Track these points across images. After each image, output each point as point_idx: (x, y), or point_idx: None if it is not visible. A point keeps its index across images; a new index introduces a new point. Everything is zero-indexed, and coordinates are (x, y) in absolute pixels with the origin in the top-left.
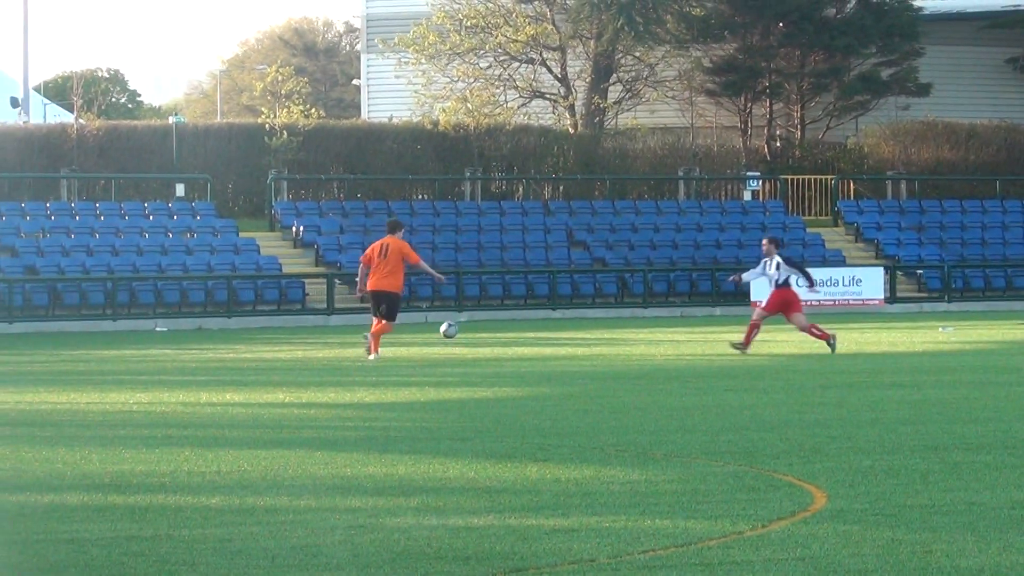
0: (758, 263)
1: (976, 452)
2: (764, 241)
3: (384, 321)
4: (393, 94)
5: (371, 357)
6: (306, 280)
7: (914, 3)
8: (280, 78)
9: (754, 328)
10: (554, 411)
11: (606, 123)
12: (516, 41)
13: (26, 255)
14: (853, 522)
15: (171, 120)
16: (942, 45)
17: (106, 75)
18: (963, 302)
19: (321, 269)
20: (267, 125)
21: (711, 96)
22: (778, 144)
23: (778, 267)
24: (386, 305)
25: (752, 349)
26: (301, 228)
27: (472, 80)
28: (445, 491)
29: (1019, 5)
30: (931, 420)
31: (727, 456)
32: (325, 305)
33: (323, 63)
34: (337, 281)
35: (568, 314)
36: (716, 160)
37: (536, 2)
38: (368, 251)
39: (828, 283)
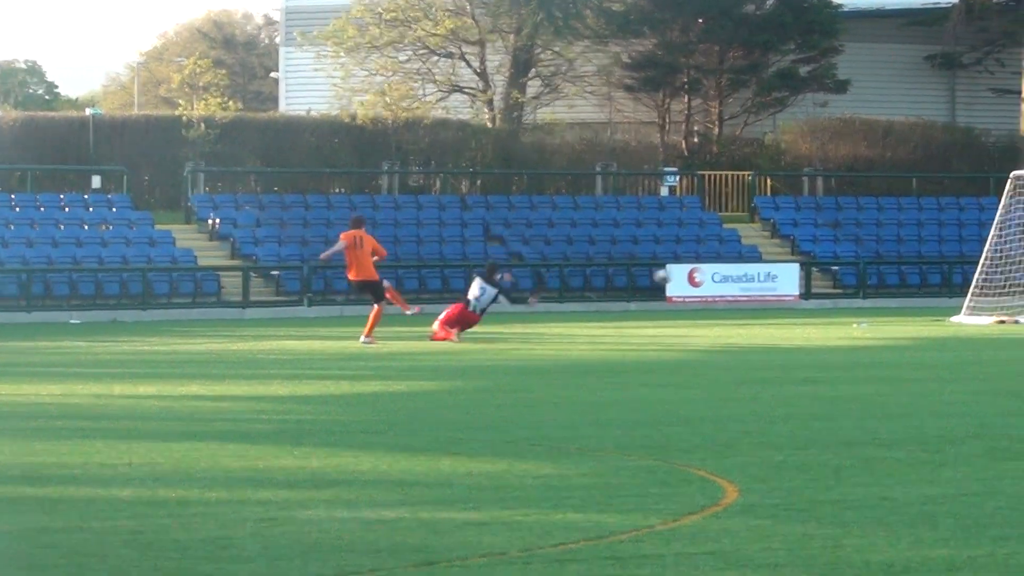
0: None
1: (888, 448)
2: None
3: (376, 305)
4: (312, 87)
5: (362, 340)
6: (221, 273)
7: (834, 0)
8: (198, 70)
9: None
10: (468, 405)
11: (524, 118)
12: (435, 35)
13: None
14: (764, 516)
15: (88, 112)
16: (861, 42)
17: (23, 66)
18: (878, 298)
19: (237, 262)
20: (184, 117)
21: (629, 92)
22: (696, 140)
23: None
24: (370, 291)
25: (669, 344)
26: (217, 221)
27: (391, 74)
28: (357, 484)
29: (938, 3)
30: (844, 416)
31: (640, 451)
32: (241, 298)
33: (242, 56)
34: (253, 274)
35: None
36: (634, 156)
37: None
38: (346, 236)
39: (743, 279)
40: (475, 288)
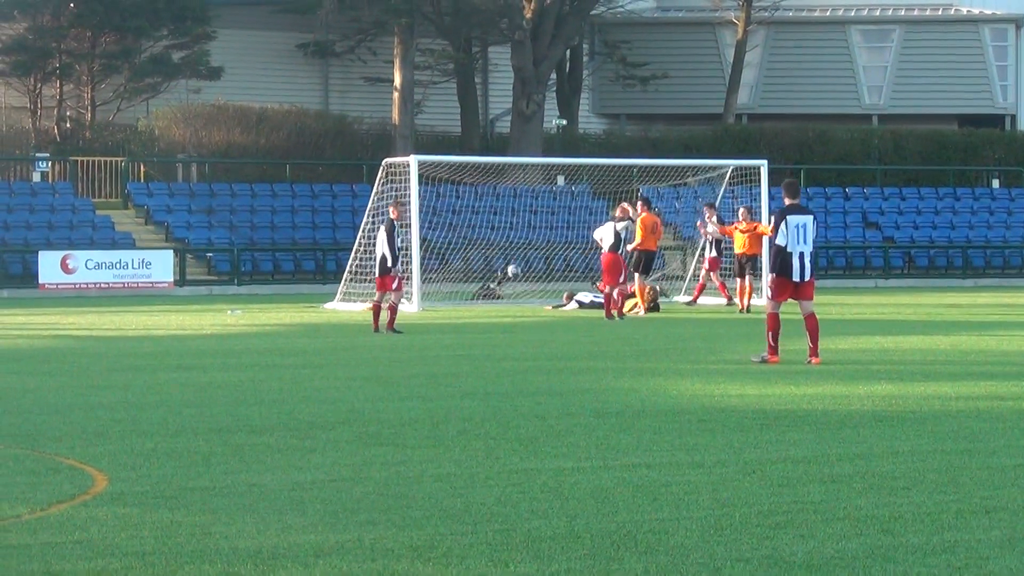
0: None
1: (259, 434)
2: None
3: None
4: None
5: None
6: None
7: None
8: None
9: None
10: None
11: None
12: None
13: None
14: (133, 505)
15: None
16: (234, 29)
17: None
18: (253, 285)
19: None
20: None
21: (0, 76)
22: (68, 126)
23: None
24: None
25: (39, 332)
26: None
27: None
28: None
29: None
30: (216, 402)
31: (7, 439)
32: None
33: None
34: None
35: None
36: (5, 141)
37: None
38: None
39: (117, 266)
40: None
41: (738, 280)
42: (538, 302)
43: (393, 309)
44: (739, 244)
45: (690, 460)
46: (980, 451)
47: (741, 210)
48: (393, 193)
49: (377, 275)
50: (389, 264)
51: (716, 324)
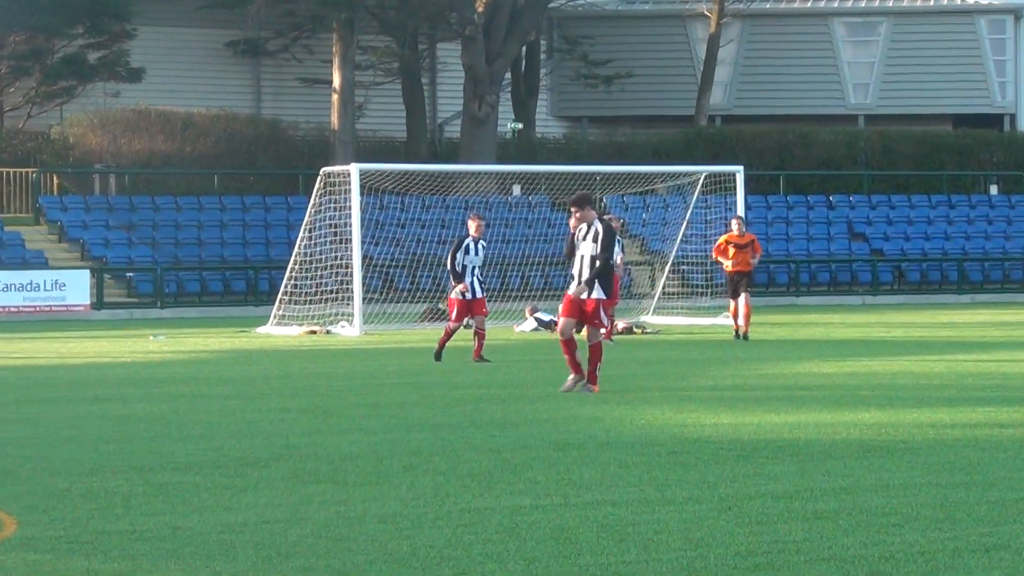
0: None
1: (185, 472)
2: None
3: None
4: None
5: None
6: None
7: None
8: None
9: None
10: None
11: None
12: None
13: None
14: (45, 551)
15: None
16: (156, 26)
17: None
18: (177, 308)
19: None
20: None
21: None
22: None
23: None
24: None
25: None
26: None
27: None
28: None
29: None
30: (137, 437)
31: None
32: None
33: None
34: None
35: None
36: None
37: None
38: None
39: (29, 287)
40: None
41: (731, 301)
42: (492, 324)
43: (480, 334)
44: (732, 260)
45: (660, 496)
46: (978, 484)
47: (734, 221)
48: (332, 204)
49: (463, 297)
50: (462, 280)
51: (688, 347)
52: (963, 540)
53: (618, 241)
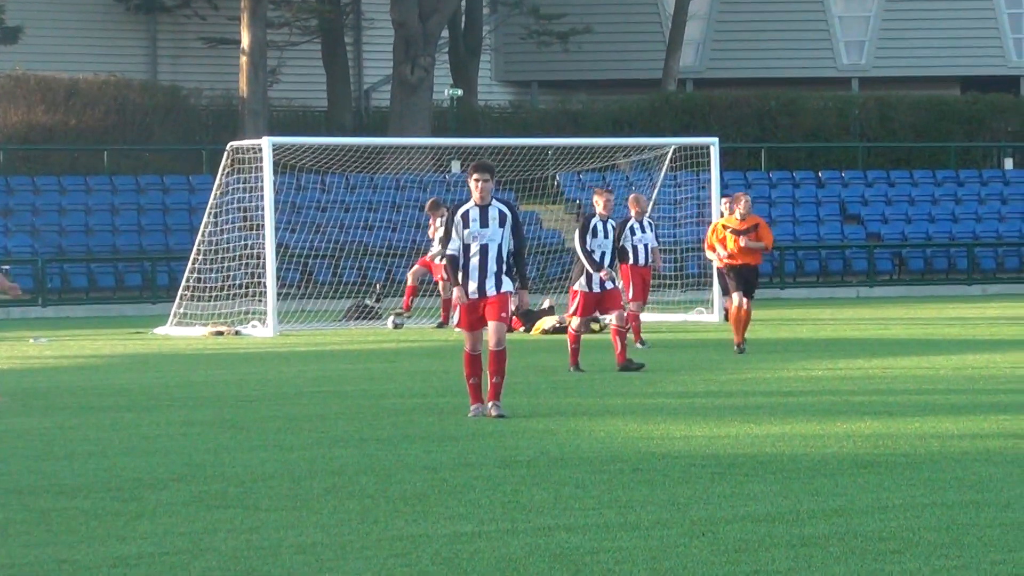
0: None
1: (71, 496)
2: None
3: None
4: None
5: None
6: None
7: None
8: None
9: None
10: None
11: None
12: None
13: None
14: None
15: None
16: None
17: None
18: (62, 305)
19: None
20: None
21: None
22: None
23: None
24: None
25: None
26: None
27: None
28: None
29: None
30: (14, 456)
31: None
32: None
33: None
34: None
35: None
36: None
37: None
38: None
39: None
40: None
41: (734, 300)
42: (427, 322)
43: (622, 334)
44: (732, 249)
45: (622, 521)
46: (990, 503)
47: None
48: (241, 184)
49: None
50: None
51: (656, 348)
52: (972, 568)
53: (640, 226)
